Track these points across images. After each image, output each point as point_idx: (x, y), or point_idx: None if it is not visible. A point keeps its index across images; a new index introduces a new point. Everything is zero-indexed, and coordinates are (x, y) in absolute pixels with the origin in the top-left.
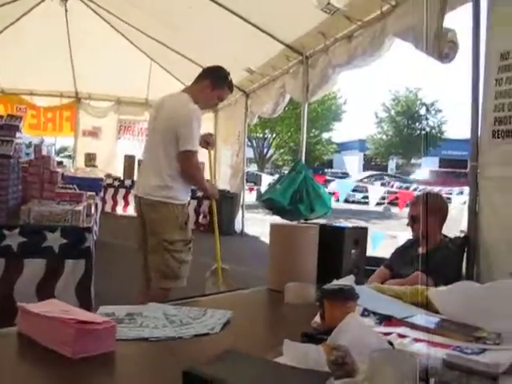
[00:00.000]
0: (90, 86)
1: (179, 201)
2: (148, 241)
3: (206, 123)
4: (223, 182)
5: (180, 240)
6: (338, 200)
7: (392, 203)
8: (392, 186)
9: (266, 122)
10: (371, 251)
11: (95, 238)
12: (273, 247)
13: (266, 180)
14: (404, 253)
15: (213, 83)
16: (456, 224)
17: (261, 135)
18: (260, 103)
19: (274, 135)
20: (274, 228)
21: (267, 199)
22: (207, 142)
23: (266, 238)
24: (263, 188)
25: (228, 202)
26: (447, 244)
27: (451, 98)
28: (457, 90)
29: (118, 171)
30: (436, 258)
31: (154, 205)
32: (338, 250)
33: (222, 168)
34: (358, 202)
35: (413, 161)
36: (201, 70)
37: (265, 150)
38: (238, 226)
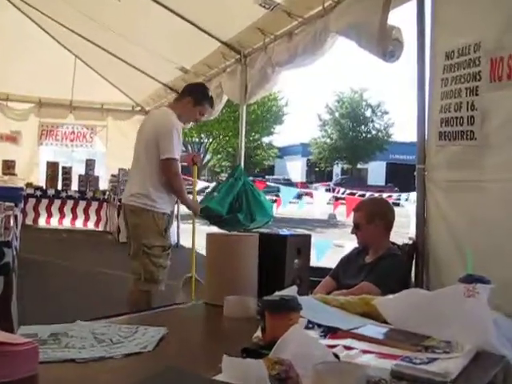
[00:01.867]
0: (8, 86)
1: (161, 209)
2: (131, 245)
3: (134, 125)
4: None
5: (159, 246)
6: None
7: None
8: (338, 192)
9: (201, 125)
10: (316, 261)
11: (15, 253)
12: (210, 259)
13: (200, 186)
14: (350, 262)
15: (194, 100)
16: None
17: (196, 139)
18: None
19: (211, 139)
20: (211, 238)
21: (204, 208)
22: (193, 160)
23: (203, 250)
24: (199, 196)
25: None
26: (395, 251)
27: (398, 99)
28: (403, 90)
29: (41, 180)
30: (383, 266)
31: (136, 211)
32: (280, 259)
33: None
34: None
35: (359, 166)
36: (133, 69)
37: (201, 156)
38: (172, 239)
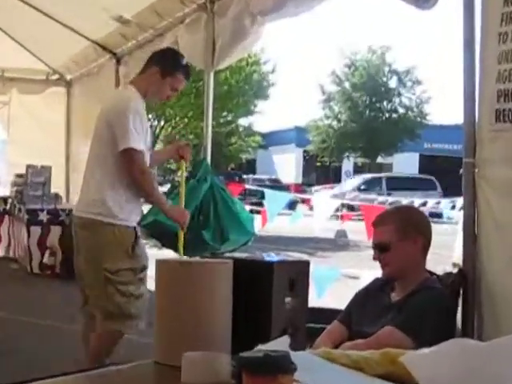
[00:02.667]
0: None
1: (123, 221)
2: (85, 272)
3: (54, 105)
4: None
5: (127, 269)
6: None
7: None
8: (349, 198)
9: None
10: (317, 300)
11: None
12: (161, 297)
13: None
14: (368, 300)
15: (162, 70)
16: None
17: None
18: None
19: (163, 123)
20: (163, 266)
21: (151, 223)
22: (179, 153)
23: (151, 282)
24: (147, 205)
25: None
26: (433, 284)
27: (435, 63)
28: (443, 51)
29: None
30: (416, 306)
31: (90, 225)
32: (264, 297)
33: (79, 176)
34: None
35: (380, 159)
36: (48, 20)
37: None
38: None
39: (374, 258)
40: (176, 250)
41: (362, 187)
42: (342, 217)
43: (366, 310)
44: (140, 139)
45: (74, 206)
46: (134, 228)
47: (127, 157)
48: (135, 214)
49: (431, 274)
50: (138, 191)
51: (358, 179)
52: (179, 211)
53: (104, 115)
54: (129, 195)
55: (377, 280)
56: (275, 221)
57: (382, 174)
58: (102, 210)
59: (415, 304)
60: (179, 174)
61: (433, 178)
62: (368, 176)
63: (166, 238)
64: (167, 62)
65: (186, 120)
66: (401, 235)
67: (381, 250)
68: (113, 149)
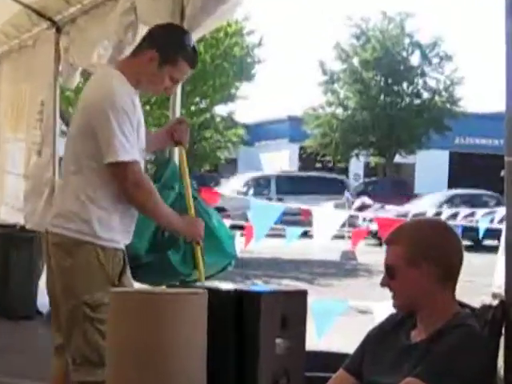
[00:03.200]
0: None
1: (109, 241)
2: (60, 304)
3: None
4: (10, 209)
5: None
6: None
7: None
8: (360, 209)
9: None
10: (317, 341)
11: None
12: (116, 338)
13: None
14: (384, 342)
15: (161, 56)
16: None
17: None
18: (86, 45)
19: None
20: (117, 298)
21: None
22: (178, 136)
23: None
24: None
25: (23, 251)
26: (466, 320)
27: (469, 35)
28: (478, 19)
29: None
30: (445, 350)
31: (66, 244)
32: (249, 339)
33: (6, 179)
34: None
35: (398, 159)
36: None
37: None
38: (44, 300)
39: (382, 284)
40: (136, 276)
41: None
42: (353, 235)
43: (381, 355)
44: (130, 146)
45: (48, 220)
46: (123, 251)
47: (116, 172)
48: (124, 232)
49: (463, 306)
50: (137, 209)
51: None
52: (192, 223)
53: (84, 110)
54: (117, 208)
55: (393, 316)
56: (263, 240)
57: (274, 173)
58: (81, 226)
59: (442, 347)
60: (177, 163)
61: (344, 177)
62: (256, 175)
63: (134, 267)
64: (169, 44)
65: (147, 108)
66: (408, 260)
67: (389, 276)
68: (96, 155)
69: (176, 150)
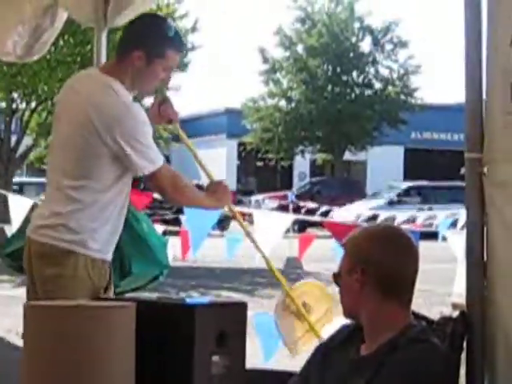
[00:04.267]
0: None
1: (98, 252)
2: None
3: None
4: None
5: None
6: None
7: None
8: (304, 211)
9: (13, 74)
10: (262, 359)
11: None
12: (30, 356)
13: (19, 208)
14: (332, 356)
15: (147, 53)
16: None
17: (2, 104)
18: None
19: (34, 104)
20: (34, 312)
21: (17, 252)
22: (167, 115)
23: (17, 340)
24: (13, 226)
25: None
26: (422, 335)
27: (426, 16)
28: (435, 2)
29: None
30: (396, 371)
31: (54, 254)
32: (182, 357)
33: None
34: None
35: (348, 156)
36: None
37: (13, 138)
38: None
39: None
40: None
41: None
42: (303, 240)
43: (329, 370)
44: (150, 151)
45: (31, 225)
46: (109, 265)
47: (151, 181)
48: (112, 244)
49: (419, 318)
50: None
51: None
52: (220, 194)
53: (93, 118)
54: (108, 220)
55: (344, 328)
56: (202, 246)
57: None
58: (72, 237)
59: (395, 367)
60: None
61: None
62: None
63: None
64: (153, 40)
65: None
66: (348, 269)
67: (336, 283)
68: (92, 168)
69: None
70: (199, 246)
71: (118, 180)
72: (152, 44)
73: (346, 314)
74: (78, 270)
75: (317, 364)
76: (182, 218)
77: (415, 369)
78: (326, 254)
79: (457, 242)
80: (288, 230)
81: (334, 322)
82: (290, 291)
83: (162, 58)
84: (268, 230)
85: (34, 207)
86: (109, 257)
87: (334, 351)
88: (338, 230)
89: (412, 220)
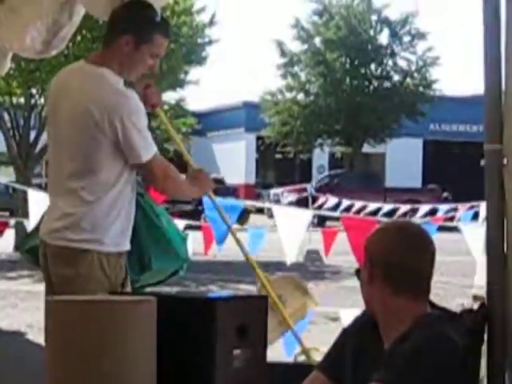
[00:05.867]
0: None
1: (112, 246)
2: None
3: None
4: None
5: None
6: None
7: None
8: (323, 205)
9: (32, 69)
10: (286, 357)
11: None
12: (54, 350)
13: (38, 202)
14: (351, 346)
15: (135, 36)
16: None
17: (21, 100)
18: (17, 27)
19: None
20: (57, 307)
21: (37, 248)
22: (151, 100)
23: (39, 336)
24: (32, 221)
25: None
26: (430, 324)
27: (443, 9)
28: None
29: None
30: (401, 356)
31: (68, 254)
32: (203, 351)
33: None
34: None
35: (367, 149)
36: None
37: (32, 134)
38: None
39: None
40: None
41: None
42: (326, 234)
43: (359, 358)
44: (147, 140)
45: (44, 229)
46: (125, 258)
47: (143, 172)
48: (126, 236)
49: (437, 309)
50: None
51: None
52: (198, 181)
53: (91, 110)
54: (120, 211)
55: (357, 319)
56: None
57: None
58: (85, 236)
59: (402, 353)
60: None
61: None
62: None
63: None
64: (140, 24)
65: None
66: (364, 264)
67: (357, 277)
68: (102, 158)
69: None
70: (224, 240)
71: (123, 172)
72: (139, 28)
73: (366, 307)
74: (94, 269)
75: (351, 349)
76: (206, 213)
77: (424, 355)
78: (346, 247)
79: (472, 235)
80: (312, 221)
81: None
82: (268, 284)
83: (149, 42)
84: (289, 224)
85: None
86: (124, 248)
87: (365, 340)
88: (354, 226)
89: (434, 212)
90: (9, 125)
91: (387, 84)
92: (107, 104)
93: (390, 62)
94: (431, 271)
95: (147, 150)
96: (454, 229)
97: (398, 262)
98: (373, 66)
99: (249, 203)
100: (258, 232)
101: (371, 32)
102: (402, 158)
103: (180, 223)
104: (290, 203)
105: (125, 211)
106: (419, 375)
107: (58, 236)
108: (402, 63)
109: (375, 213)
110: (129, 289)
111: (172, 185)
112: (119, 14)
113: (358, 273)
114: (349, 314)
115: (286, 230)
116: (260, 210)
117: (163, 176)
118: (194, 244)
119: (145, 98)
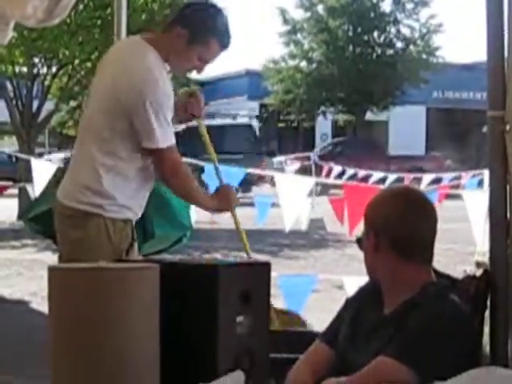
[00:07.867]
0: None
1: (118, 212)
2: None
3: None
4: None
5: None
6: None
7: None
8: (328, 173)
9: (34, 38)
10: None
11: None
12: (59, 320)
13: (41, 172)
14: (359, 314)
15: (191, 34)
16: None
17: (24, 69)
18: None
19: (55, 68)
20: (59, 275)
21: (40, 216)
22: (191, 109)
23: (42, 304)
24: (36, 190)
25: None
26: (442, 291)
27: None
28: None
29: None
30: (418, 326)
31: (76, 217)
32: (207, 317)
33: None
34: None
35: (370, 116)
36: None
37: (34, 104)
38: None
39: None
40: None
41: None
42: (334, 203)
43: (356, 329)
44: (169, 129)
45: (59, 192)
46: (132, 224)
47: (154, 157)
48: (138, 204)
49: (443, 276)
50: (172, 192)
51: None
52: (222, 197)
53: (114, 85)
54: (136, 176)
55: (362, 288)
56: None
57: None
58: (93, 199)
59: (415, 322)
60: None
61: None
62: None
63: None
64: (200, 24)
65: (88, 64)
66: (365, 230)
67: (359, 246)
68: (124, 129)
69: None
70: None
71: (139, 148)
72: (198, 27)
73: (369, 275)
74: (100, 232)
75: (349, 319)
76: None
77: (438, 325)
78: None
79: (472, 201)
80: (311, 193)
81: None
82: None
83: (203, 44)
84: (291, 192)
85: (57, 171)
86: (131, 216)
87: (364, 308)
88: (354, 193)
89: (438, 181)
90: (11, 94)
91: (390, 51)
92: (139, 79)
93: (393, 30)
94: (435, 237)
95: (165, 138)
96: (456, 196)
97: (405, 229)
98: (376, 34)
99: (253, 172)
100: (264, 201)
101: None
102: (405, 126)
103: None
104: (294, 171)
105: (142, 183)
106: (433, 342)
107: (70, 197)
108: (405, 30)
109: (380, 182)
110: (134, 256)
111: (179, 181)
112: (189, 8)
113: (359, 242)
114: (352, 282)
115: (288, 198)
116: (260, 179)
117: (172, 169)
118: (198, 212)
119: (187, 105)
